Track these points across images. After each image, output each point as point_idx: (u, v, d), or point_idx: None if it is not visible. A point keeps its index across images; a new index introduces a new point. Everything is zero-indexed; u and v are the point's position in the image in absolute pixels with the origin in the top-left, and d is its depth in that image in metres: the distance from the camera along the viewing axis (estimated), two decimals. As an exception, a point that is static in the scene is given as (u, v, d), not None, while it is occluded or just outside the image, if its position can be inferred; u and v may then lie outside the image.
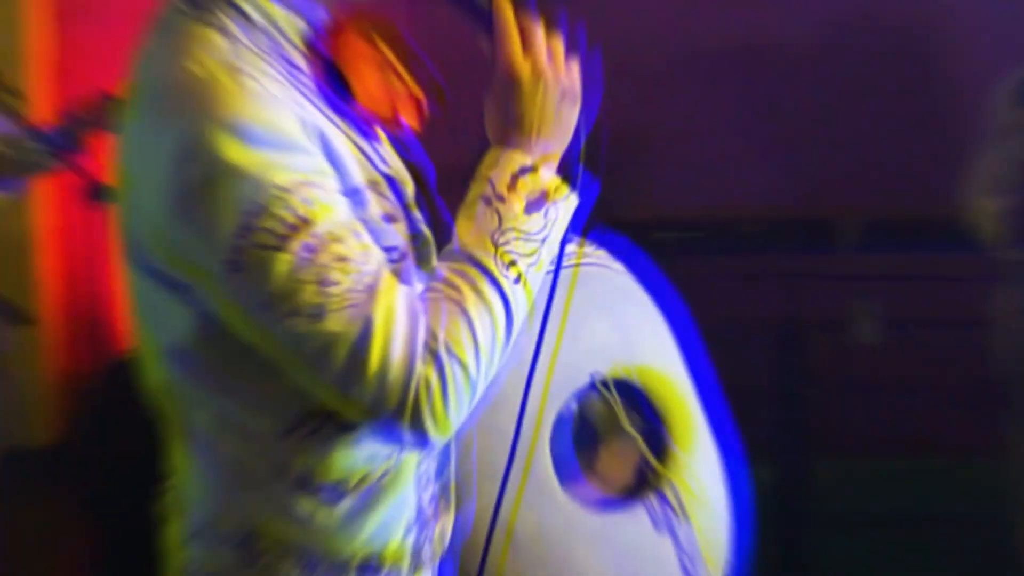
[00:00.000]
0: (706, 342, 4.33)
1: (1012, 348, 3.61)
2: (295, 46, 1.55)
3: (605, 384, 2.31)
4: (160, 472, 1.74)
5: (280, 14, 1.53)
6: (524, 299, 1.52)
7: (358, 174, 1.51)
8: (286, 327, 1.40)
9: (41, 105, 5.78)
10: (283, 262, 1.37)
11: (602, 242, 2.38)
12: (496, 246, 1.48)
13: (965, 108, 3.88)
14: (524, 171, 1.51)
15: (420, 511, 1.65)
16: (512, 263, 1.48)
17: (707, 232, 4.66)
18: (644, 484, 2.32)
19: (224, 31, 1.50)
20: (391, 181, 1.60)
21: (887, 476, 4.64)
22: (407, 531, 1.66)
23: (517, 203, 1.50)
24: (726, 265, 4.64)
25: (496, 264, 1.47)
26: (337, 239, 1.40)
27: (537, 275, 1.56)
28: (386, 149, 1.63)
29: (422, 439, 1.47)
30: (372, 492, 1.60)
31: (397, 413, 1.40)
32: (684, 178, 4.98)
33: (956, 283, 4.02)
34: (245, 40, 1.52)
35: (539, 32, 1.57)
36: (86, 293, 5.50)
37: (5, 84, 3.87)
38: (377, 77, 1.65)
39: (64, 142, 3.88)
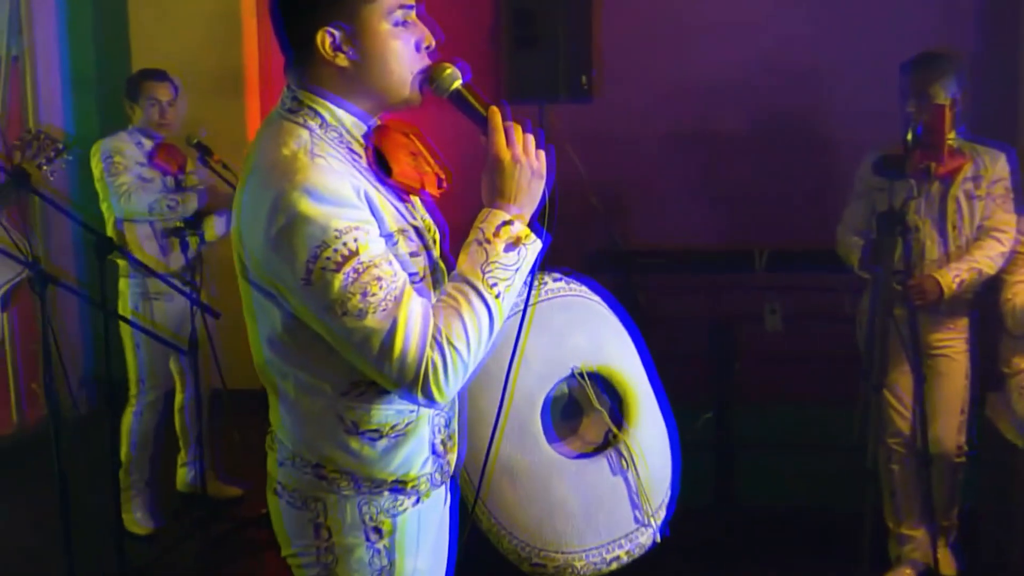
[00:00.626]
0: (671, 327, 4.57)
1: (863, 334, 3.96)
2: (355, 139, 1.84)
3: (582, 375, 2.56)
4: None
5: (346, 118, 1.84)
6: (502, 309, 1.76)
7: (392, 224, 1.78)
8: (341, 323, 1.70)
9: (253, 111, 6.01)
10: (339, 280, 1.67)
11: (582, 281, 2.64)
12: (484, 273, 1.73)
13: (841, 175, 4.22)
14: (504, 224, 1.76)
15: (434, 448, 1.94)
16: (493, 285, 1.74)
17: (671, 257, 5.19)
18: (607, 443, 2.56)
19: (307, 127, 1.79)
20: (416, 230, 1.87)
21: (790, 417, 5.10)
22: (423, 463, 1.92)
23: (499, 244, 1.75)
24: (685, 280, 5.19)
25: (483, 285, 1.73)
26: (375, 265, 1.69)
27: (510, 294, 1.76)
28: (416, 208, 1.90)
29: (431, 401, 1.74)
30: (400, 436, 1.88)
31: (413, 384, 1.70)
32: (656, 220, 5.51)
33: (831, 292, 4.45)
34: (321, 133, 1.79)
35: (518, 132, 1.80)
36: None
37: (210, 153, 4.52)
38: (410, 161, 1.88)
39: None
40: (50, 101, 6.02)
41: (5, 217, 3.66)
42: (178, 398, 4.95)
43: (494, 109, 1.81)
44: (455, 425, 2.00)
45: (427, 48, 1.84)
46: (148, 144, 4.63)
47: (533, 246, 1.79)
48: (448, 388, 1.72)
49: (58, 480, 3.37)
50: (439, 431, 1.94)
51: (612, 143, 5.44)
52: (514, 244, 1.76)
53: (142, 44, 6.30)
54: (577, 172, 5.26)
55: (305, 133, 1.77)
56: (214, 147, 5.84)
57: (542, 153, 1.81)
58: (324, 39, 1.78)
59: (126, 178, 4.49)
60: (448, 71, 1.83)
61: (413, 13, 1.83)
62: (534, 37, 5.07)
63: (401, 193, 1.84)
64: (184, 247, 4.44)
